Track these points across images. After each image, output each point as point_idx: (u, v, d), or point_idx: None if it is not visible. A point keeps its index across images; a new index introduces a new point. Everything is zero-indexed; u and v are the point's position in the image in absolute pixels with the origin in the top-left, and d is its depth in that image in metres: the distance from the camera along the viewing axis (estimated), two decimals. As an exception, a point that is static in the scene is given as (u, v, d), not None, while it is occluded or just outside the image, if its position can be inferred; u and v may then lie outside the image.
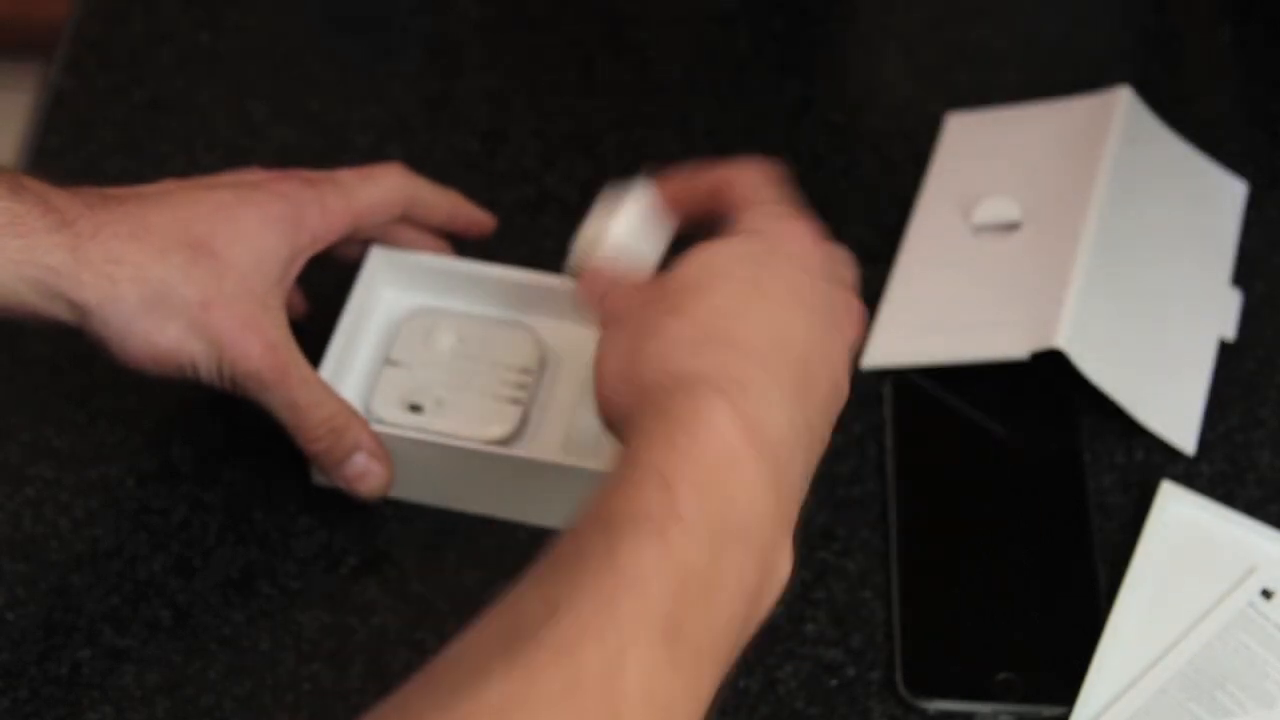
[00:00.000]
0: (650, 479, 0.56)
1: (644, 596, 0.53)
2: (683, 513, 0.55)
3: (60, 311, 0.72)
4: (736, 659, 0.57)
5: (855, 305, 0.68)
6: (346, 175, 0.79)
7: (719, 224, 0.68)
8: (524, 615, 0.54)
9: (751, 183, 0.69)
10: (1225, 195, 0.90)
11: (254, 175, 0.77)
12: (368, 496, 0.76)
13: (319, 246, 0.78)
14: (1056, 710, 0.72)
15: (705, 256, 0.64)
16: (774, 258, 0.64)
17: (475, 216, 0.84)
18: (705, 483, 0.57)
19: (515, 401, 0.79)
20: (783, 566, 0.59)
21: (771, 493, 0.58)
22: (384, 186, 0.80)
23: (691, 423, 0.58)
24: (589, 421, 0.80)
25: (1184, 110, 0.93)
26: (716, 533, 0.56)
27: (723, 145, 0.94)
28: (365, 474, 0.76)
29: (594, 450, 0.77)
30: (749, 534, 0.57)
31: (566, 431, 0.79)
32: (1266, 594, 0.75)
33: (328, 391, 0.75)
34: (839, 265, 0.68)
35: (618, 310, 0.66)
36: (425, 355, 0.80)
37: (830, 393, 0.63)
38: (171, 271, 0.72)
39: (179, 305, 0.72)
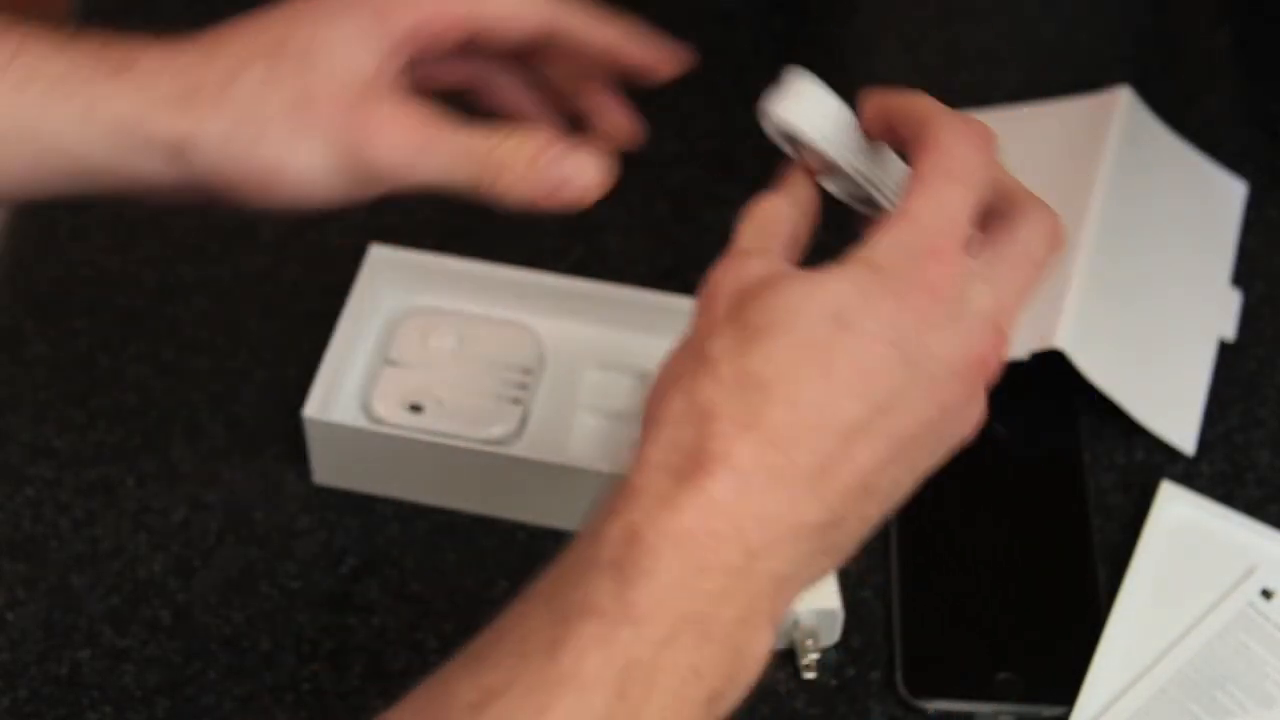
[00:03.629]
0: (607, 567, 0.52)
1: (580, 699, 0.50)
2: (634, 611, 0.51)
3: (147, 161, 0.66)
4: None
5: (975, 408, 0.59)
6: None
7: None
8: (455, 700, 0.51)
9: (946, 153, 0.56)
10: (1225, 195, 0.90)
11: None
12: (582, 197, 0.65)
13: (421, 39, 0.67)
14: (1056, 710, 0.72)
15: (796, 300, 0.54)
16: (870, 318, 0.54)
17: (649, 55, 0.72)
18: (672, 569, 0.52)
19: (515, 401, 0.79)
20: (756, 646, 0.53)
21: (747, 581, 0.53)
22: None
23: (693, 476, 0.53)
24: (589, 421, 0.80)
25: (1184, 110, 0.93)
26: (670, 625, 0.52)
27: (723, 145, 0.94)
28: (568, 178, 0.65)
29: (594, 450, 0.77)
30: (708, 622, 0.52)
31: (566, 431, 0.79)
32: (1266, 594, 0.75)
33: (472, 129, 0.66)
34: (983, 343, 0.57)
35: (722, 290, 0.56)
36: (425, 355, 0.80)
37: (880, 487, 0.57)
38: (253, 84, 0.66)
39: (274, 113, 0.65)
